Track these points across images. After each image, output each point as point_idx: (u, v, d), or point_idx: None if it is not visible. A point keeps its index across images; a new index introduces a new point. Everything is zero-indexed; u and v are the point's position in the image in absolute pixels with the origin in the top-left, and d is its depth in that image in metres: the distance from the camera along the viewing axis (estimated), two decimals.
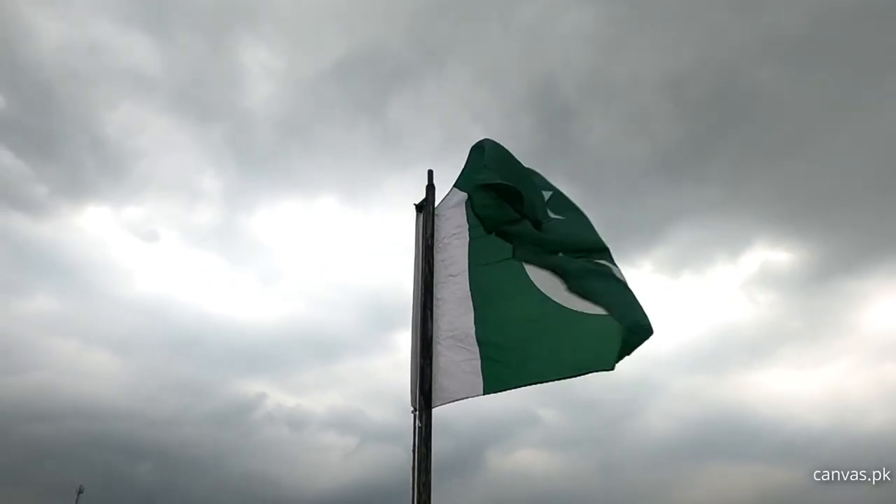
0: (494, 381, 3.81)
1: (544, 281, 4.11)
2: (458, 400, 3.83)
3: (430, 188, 4.72)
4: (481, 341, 3.95)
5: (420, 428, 3.74)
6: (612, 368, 3.56)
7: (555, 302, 3.96)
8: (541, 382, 3.76)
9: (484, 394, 3.79)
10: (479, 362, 3.87)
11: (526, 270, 4.17)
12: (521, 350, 3.85)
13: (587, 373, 3.64)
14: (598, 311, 3.85)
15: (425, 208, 4.65)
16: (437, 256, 4.43)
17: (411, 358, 4.08)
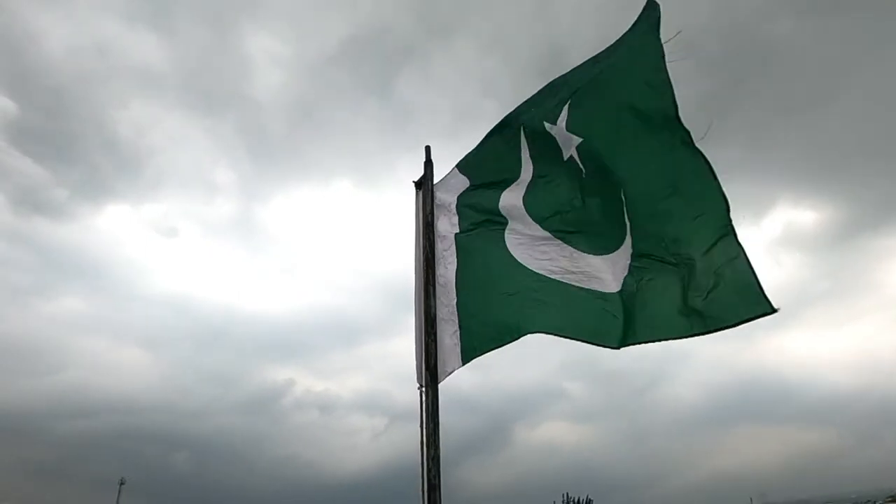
0: (470, 349, 3.82)
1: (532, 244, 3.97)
2: (450, 373, 3.85)
3: (428, 164, 4.71)
4: (461, 312, 3.99)
5: (427, 404, 3.77)
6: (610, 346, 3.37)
7: (528, 268, 3.87)
8: (515, 340, 3.70)
9: (462, 364, 3.81)
10: (459, 332, 3.91)
11: (504, 237, 4.07)
12: (489, 313, 3.82)
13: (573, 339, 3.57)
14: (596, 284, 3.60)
15: (424, 185, 4.62)
16: (436, 234, 4.41)
17: (415, 335, 4.10)
